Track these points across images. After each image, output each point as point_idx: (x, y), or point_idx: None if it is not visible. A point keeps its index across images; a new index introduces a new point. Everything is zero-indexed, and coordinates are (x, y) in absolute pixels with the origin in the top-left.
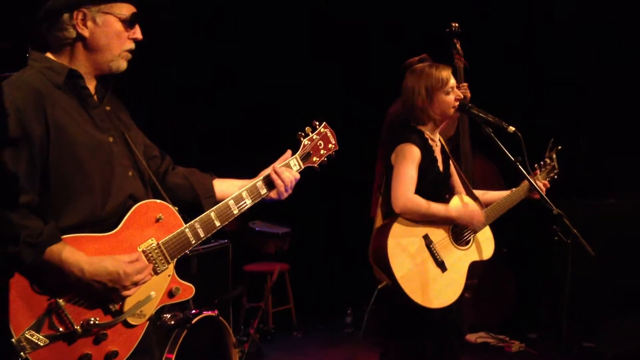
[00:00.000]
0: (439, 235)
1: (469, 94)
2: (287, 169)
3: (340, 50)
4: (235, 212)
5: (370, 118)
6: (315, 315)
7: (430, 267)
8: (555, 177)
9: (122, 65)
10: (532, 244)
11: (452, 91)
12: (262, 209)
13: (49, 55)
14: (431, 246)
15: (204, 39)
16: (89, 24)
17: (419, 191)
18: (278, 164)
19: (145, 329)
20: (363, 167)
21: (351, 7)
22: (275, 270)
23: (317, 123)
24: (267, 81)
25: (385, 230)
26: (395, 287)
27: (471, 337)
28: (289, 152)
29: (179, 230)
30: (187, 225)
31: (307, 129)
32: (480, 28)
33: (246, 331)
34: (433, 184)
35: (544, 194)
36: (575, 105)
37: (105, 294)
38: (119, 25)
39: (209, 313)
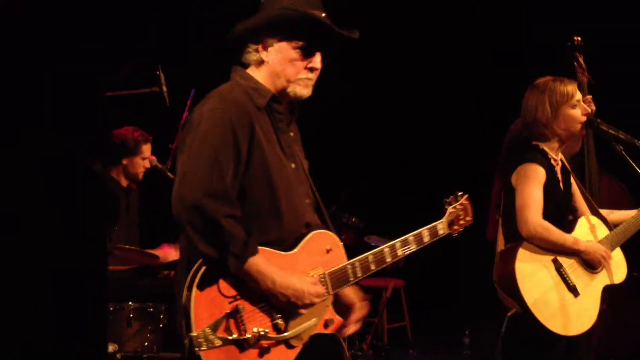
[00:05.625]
0: (568, 259)
1: (594, 107)
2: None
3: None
4: (388, 259)
5: (487, 137)
6: (431, 334)
7: (562, 292)
8: None
9: (299, 91)
10: None
11: (579, 105)
12: (378, 224)
13: (252, 73)
14: (561, 270)
15: None
16: (270, 49)
17: (542, 213)
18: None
19: (298, 353)
20: (480, 186)
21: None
22: (390, 286)
23: (460, 194)
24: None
25: (511, 254)
26: (526, 315)
27: None
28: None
29: (342, 265)
30: (349, 262)
31: (451, 197)
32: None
33: (360, 346)
34: (556, 205)
35: None
36: None
37: (284, 307)
38: (293, 53)
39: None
